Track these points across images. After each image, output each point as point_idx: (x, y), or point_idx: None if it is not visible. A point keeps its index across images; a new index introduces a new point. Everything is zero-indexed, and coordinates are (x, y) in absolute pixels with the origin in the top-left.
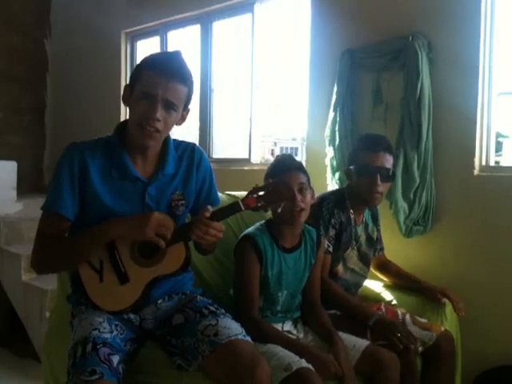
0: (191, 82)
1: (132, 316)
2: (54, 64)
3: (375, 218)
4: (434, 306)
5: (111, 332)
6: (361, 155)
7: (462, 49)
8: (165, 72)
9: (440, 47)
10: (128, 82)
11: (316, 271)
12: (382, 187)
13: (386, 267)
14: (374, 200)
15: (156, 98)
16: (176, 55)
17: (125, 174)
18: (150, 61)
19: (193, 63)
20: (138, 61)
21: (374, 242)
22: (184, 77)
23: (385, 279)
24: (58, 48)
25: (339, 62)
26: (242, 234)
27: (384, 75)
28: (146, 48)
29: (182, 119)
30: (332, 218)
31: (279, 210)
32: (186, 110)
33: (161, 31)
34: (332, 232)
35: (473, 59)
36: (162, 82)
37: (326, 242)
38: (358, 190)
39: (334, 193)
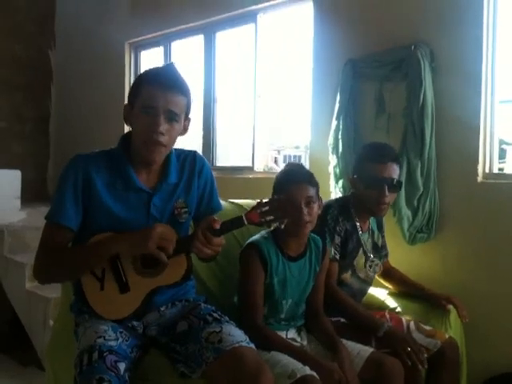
0: (189, 92)
1: (135, 323)
2: (58, 73)
3: (380, 225)
4: (438, 314)
5: (117, 339)
6: (368, 166)
7: (465, 57)
8: (163, 84)
9: (442, 56)
10: (127, 101)
11: (321, 279)
12: (389, 198)
13: (389, 274)
14: (381, 211)
15: (157, 110)
16: (170, 68)
17: (129, 185)
18: (146, 76)
19: (196, 73)
20: (142, 70)
21: (380, 249)
22: (182, 87)
23: (389, 286)
24: (63, 58)
25: (342, 72)
26: (246, 242)
27: (386, 85)
28: (150, 58)
29: (185, 129)
30: (337, 226)
31: (282, 227)
32: (187, 119)
33: (164, 42)
34: (338, 239)
35: (475, 67)
36: (162, 94)
37: (333, 250)
38: (365, 200)
39: (338, 200)
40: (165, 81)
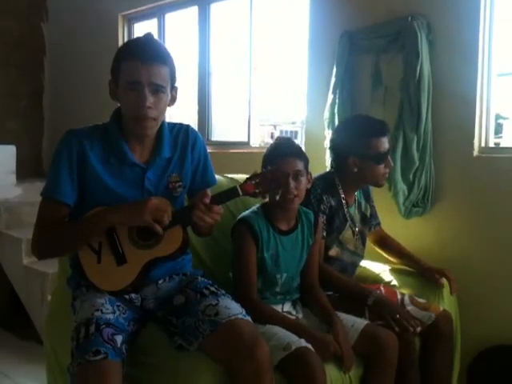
0: (171, 61)
1: (133, 296)
2: (51, 48)
3: (367, 195)
4: (433, 287)
5: (114, 313)
6: (368, 141)
7: (462, 30)
8: (143, 57)
9: (439, 28)
10: (111, 77)
11: (314, 253)
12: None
13: (385, 242)
14: (383, 182)
15: (141, 84)
16: (148, 38)
17: (123, 160)
18: (125, 51)
19: (191, 46)
20: None
21: (369, 219)
22: (163, 57)
23: (385, 255)
24: (55, 32)
25: (338, 44)
26: (237, 218)
27: (383, 57)
28: (144, 31)
29: (173, 100)
30: (321, 204)
31: (277, 198)
32: (174, 89)
33: (158, 13)
34: (323, 218)
35: (472, 40)
36: (143, 68)
37: None
38: (370, 175)
39: (322, 177)
40: (144, 53)
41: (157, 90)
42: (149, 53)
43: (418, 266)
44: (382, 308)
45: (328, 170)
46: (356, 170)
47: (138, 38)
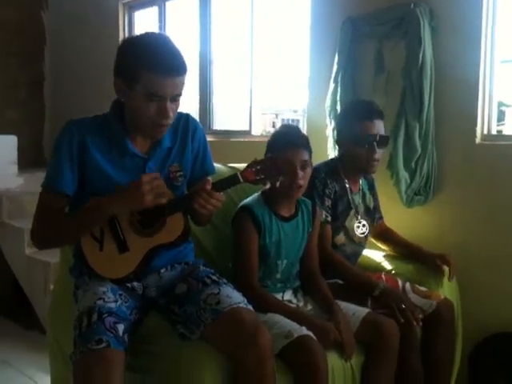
0: (187, 64)
1: (136, 284)
2: (51, 36)
3: (371, 187)
4: (434, 275)
5: (116, 301)
6: (356, 124)
7: (464, 16)
8: (168, 71)
9: (442, 14)
10: (118, 76)
11: (313, 240)
12: (379, 154)
13: (386, 236)
14: (372, 167)
15: (166, 98)
16: (169, 46)
17: (124, 151)
18: (146, 60)
19: (192, 34)
20: (136, 32)
21: (372, 212)
22: (184, 67)
23: (385, 248)
24: (55, 20)
25: (340, 31)
26: (239, 205)
27: (386, 43)
28: (144, 19)
29: None
30: (326, 189)
31: (278, 185)
32: None
33: (159, 1)
34: (328, 202)
35: (475, 27)
36: (169, 81)
37: (324, 213)
38: (355, 159)
39: (326, 163)
40: (169, 66)
41: (177, 97)
42: (173, 65)
43: (420, 254)
44: (388, 298)
45: (327, 158)
46: (343, 151)
47: (159, 47)
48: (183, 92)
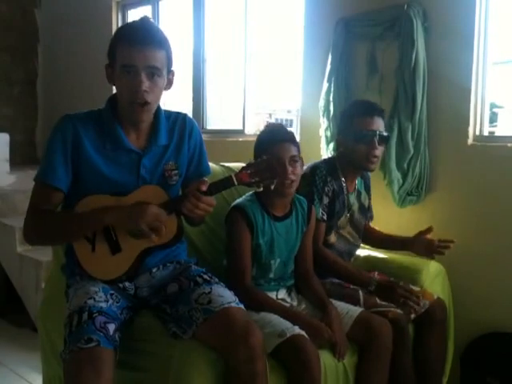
0: (168, 44)
1: (127, 284)
2: (44, 33)
3: (367, 187)
4: (426, 275)
5: (107, 301)
6: (356, 121)
7: (457, 17)
8: (139, 41)
9: (435, 16)
10: (108, 62)
11: (308, 240)
12: (379, 151)
13: (368, 235)
14: (372, 165)
15: (137, 68)
16: (145, 22)
17: (118, 145)
18: (121, 34)
19: (185, 32)
20: None
21: (366, 210)
22: (159, 40)
23: (368, 246)
24: (48, 17)
25: (334, 32)
26: (231, 205)
27: (379, 44)
28: (138, 17)
29: (169, 83)
30: (325, 186)
31: (272, 187)
32: (170, 73)
33: (152, 0)
34: (326, 200)
35: (468, 28)
36: (139, 51)
37: (321, 210)
38: (355, 156)
39: (325, 161)
40: (140, 37)
41: (153, 73)
42: (145, 36)
43: (405, 243)
44: (385, 287)
45: (323, 158)
46: (342, 149)
47: (134, 22)
48: (163, 73)
